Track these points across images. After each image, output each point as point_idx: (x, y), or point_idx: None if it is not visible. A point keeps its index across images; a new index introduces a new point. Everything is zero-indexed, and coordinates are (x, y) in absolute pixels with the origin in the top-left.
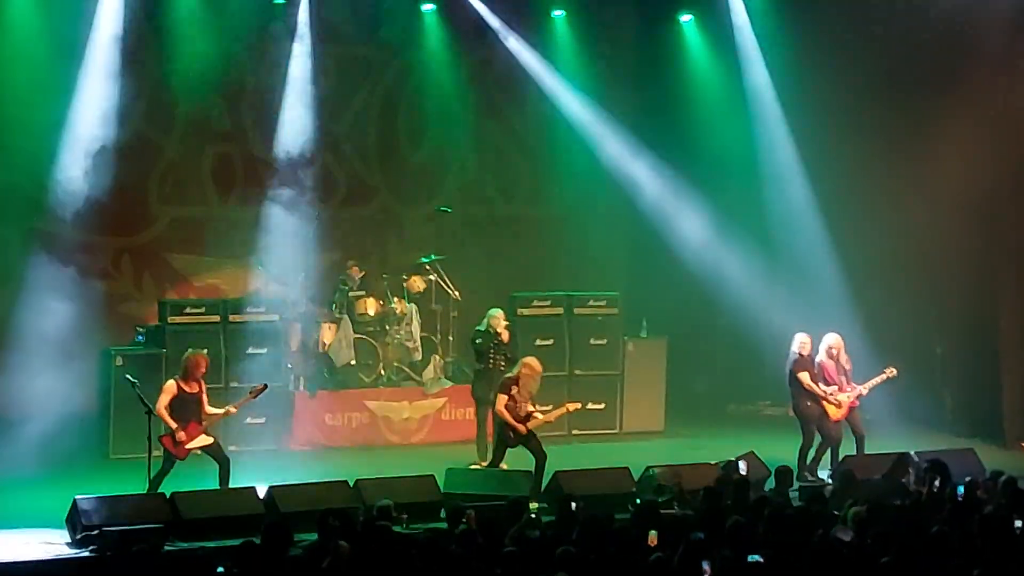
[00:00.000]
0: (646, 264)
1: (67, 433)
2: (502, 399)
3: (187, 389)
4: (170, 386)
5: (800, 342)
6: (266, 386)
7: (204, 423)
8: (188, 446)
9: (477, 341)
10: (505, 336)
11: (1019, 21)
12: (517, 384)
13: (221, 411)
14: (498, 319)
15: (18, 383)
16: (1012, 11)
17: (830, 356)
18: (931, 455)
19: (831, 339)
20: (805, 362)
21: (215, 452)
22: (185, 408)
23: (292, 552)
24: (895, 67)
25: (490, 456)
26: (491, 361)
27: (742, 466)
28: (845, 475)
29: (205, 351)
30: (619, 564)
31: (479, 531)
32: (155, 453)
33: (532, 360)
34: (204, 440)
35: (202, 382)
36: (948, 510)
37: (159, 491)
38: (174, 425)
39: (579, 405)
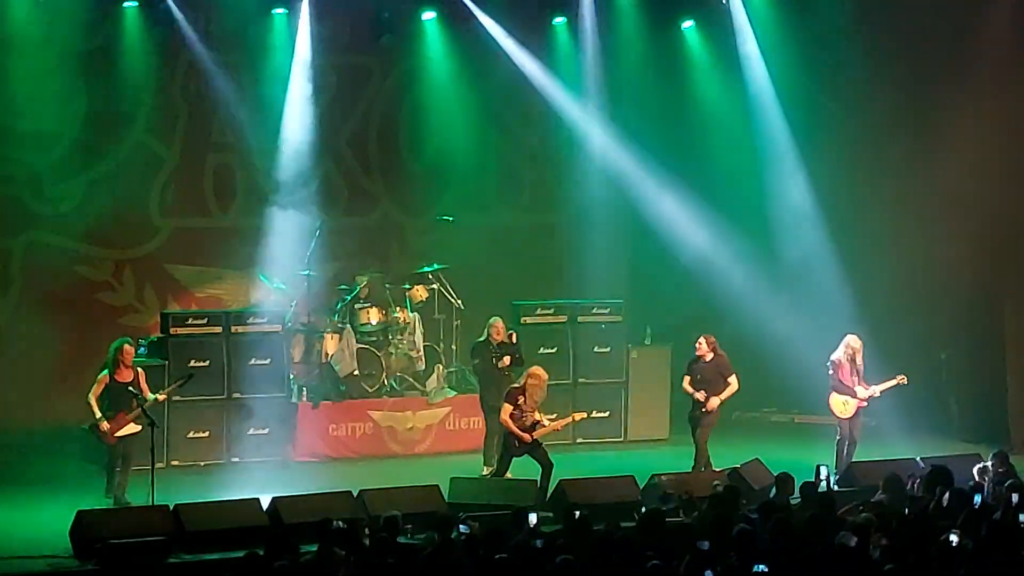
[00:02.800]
0: (649, 272)
1: (70, 446)
2: (507, 409)
3: (118, 379)
4: (103, 377)
5: (697, 343)
6: (192, 375)
7: (133, 412)
8: (117, 433)
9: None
10: (502, 342)
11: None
12: (523, 394)
13: (153, 397)
14: (497, 328)
15: (20, 396)
16: (1017, 13)
17: (848, 357)
18: (936, 461)
19: (852, 340)
20: (691, 365)
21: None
22: (118, 397)
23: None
24: (898, 72)
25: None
26: (495, 370)
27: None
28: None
29: (127, 337)
30: (623, 573)
31: (484, 540)
32: (158, 465)
33: (537, 369)
34: (132, 428)
35: (137, 370)
36: (960, 516)
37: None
38: (99, 414)
39: (585, 414)
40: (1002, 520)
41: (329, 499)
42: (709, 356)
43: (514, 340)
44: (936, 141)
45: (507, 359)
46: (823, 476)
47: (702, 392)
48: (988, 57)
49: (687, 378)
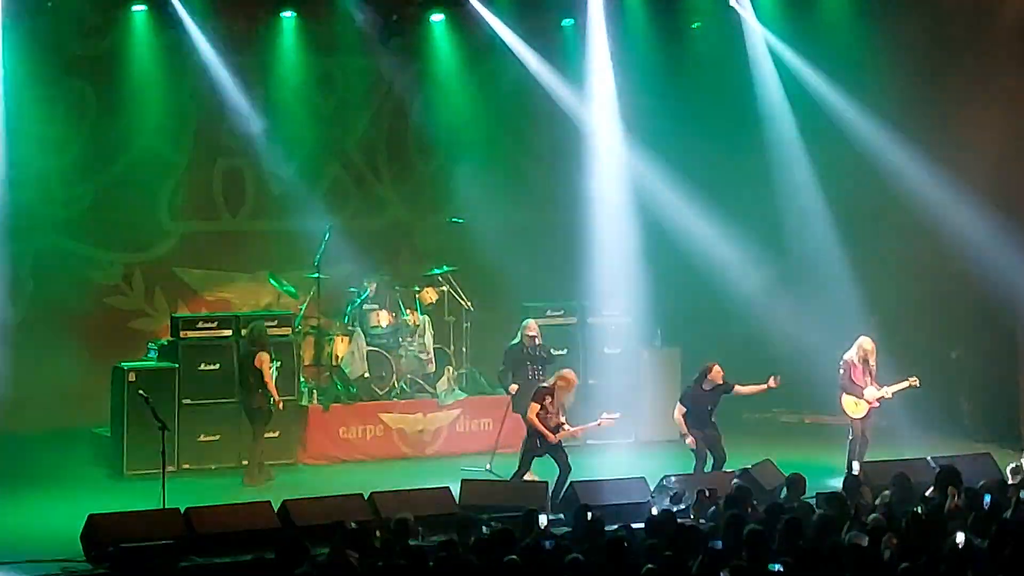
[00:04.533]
0: (659, 272)
1: (81, 450)
2: (534, 408)
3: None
4: (268, 358)
5: (715, 370)
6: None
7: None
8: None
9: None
10: (536, 345)
11: None
12: (551, 395)
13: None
14: (531, 328)
15: (31, 400)
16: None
17: (860, 358)
18: (947, 460)
19: (864, 342)
20: (698, 394)
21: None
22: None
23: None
24: (908, 68)
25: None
26: (528, 374)
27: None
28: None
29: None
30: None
31: (494, 542)
32: (169, 468)
33: (568, 372)
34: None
35: None
36: (971, 517)
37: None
38: (278, 396)
39: (613, 421)
40: (1012, 520)
41: (340, 502)
42: (718, 382)
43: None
44: (948, 139)
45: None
46: (855, 471)
47: (691, 439)
48: (1003, 52)
49: (682, 408)
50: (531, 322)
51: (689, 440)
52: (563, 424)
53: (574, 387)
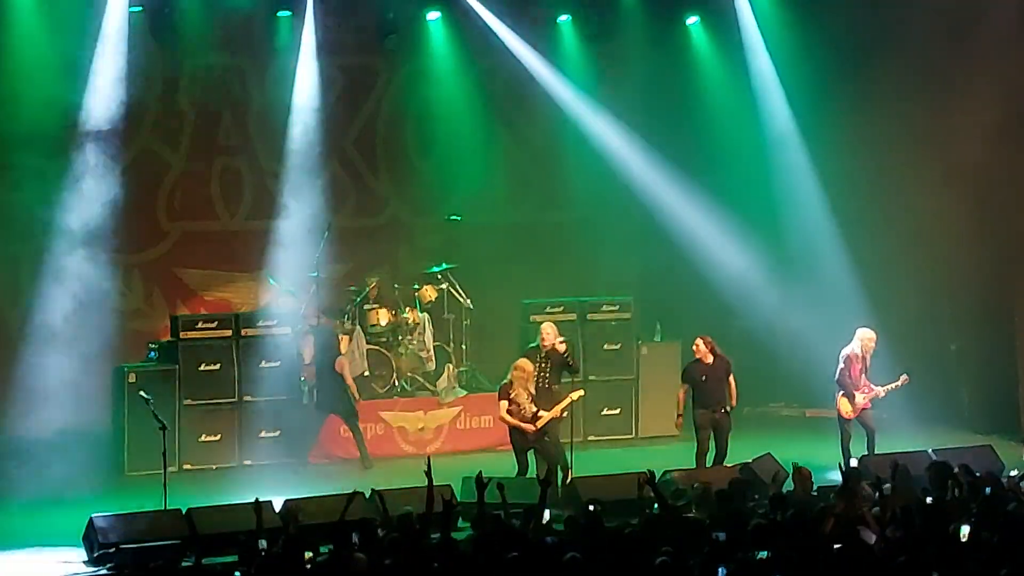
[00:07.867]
0: (658, 267)
1: (82, 451)
2: (503, 405)
3: None
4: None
5: (695, 346)
6: None
7: None
8: None
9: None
10: (560, 348)
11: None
12: (512, 388)
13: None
14: (543, 334)
15: (32, 401)
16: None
17: (863, 350)
18: (948, 452)
19: (867, 334)
20: (693, 370)
21: None
22: None
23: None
24: (903, 62)
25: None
26: (538, 379)
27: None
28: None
29: None
30: (632, 570)
31: (496, 538)
32: (170, 469)
33: (522, 361)
34: None
35: None
36: (973, 510)
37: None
38: None
39: (583, 392)
40: (1016, 511)
41: (341, 500)
42: (710, 359)
43: (563, 351)
44: (946, 127)
45: (560, 346)
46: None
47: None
48: (999, 38)
49: (685, 387)
50: (544, 325)
51: (677, 422)
52: (538, 412)
53: (531, 375)
